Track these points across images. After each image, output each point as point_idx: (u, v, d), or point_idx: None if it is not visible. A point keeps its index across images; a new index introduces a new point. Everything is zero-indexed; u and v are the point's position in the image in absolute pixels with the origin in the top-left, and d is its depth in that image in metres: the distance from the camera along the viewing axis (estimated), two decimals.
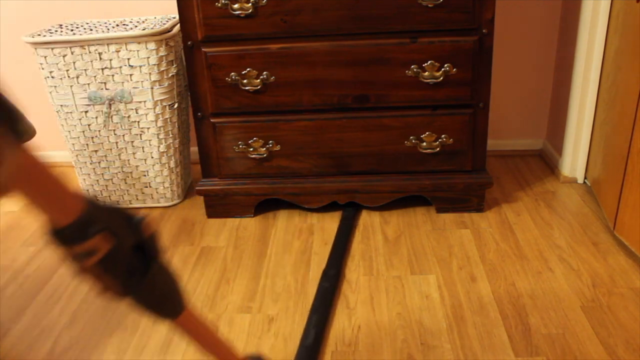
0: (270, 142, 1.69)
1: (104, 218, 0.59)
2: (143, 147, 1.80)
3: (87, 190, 1.90)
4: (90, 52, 1.68)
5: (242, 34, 1.57)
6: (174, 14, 1.98)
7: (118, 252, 0.61)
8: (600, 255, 1.52)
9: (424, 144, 1.68)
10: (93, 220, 0.58)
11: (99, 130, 1.79)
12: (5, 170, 0.48)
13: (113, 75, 1.70)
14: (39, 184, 0.54)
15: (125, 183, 1.87)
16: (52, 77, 1.72)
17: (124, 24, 1.92)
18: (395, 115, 1.65)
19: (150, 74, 1.70)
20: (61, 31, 1.82)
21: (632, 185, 1.45)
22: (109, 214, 0.61)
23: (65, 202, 0.56)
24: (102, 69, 1.70)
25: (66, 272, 1.60)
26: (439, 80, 1.59)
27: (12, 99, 0.47)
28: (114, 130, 1.78)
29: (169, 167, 1.85)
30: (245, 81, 1.62)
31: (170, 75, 1.74)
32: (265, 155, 1.71)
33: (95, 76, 1.71)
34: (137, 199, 1.90)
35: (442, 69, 1.58)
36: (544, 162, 2.08)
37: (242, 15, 1.54)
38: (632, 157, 1.45)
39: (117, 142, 1.80)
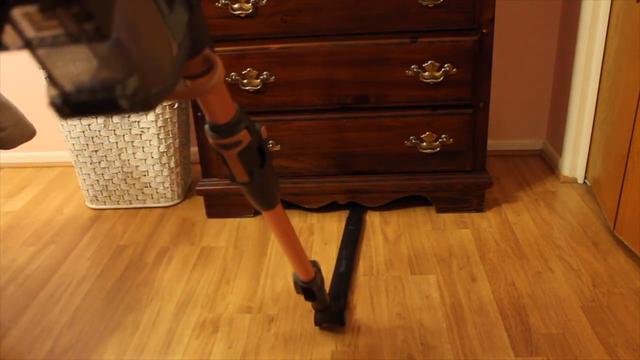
0: (270, 142, 1.69)
1: (246, 119, 0.80)
2: (143, 147, 1.80)
3: (87, 190, 1.90)
4: None
5: (242, 34, 1.57)
6: None
7: (252, 146, 0.81)
8: (600, 255, 1.52)
9: (424, 144, 1.68)
10: (241, 120, 0.78)
11: (99, 130, 1.79)
12: (217, 77, 0.67)
13: None
14: (220, 92, 0.73)
15: (125, 183, 1.87)
16: None
17: None
18: (395, 115, 1.65)
19: None
20: None
21: (632, 185, 1.45)
22: (247, 117, 0.81)
23: (228, 106, 0.75)
24: None
25: (66, 272, 1.60)
26: (439, 80, 1.59)
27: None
28: (114, 130, 1.78)
29: (169, 167, 1.85)
30: (245, 81, 1.62)
31: None
32: None
33: None
34: (137, 199, 1.90)
35: (442, 69, 1.58)
36: (544, 162, 2.08)
37: (242, 15, 1.54)
38: (632, 157, 1.45)
39: (117, 142, 1.80)
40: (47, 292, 1.52)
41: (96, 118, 1.76)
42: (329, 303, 1.26)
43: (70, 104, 0.45)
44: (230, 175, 0.86)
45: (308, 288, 1.14)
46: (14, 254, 1.70)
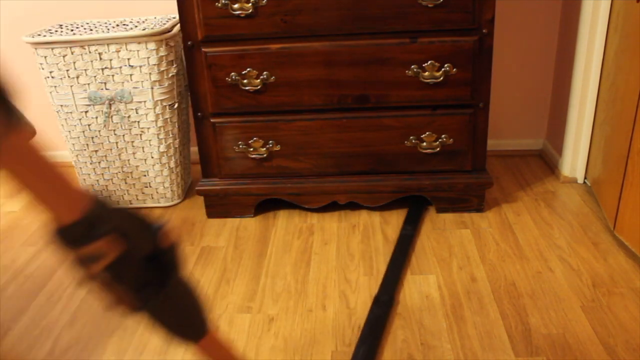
0: (271, 142, 1.69)
1: (114, 219, 0.53)
2: (143, 147, 1.80)
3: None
4: (90, 52, 1.68)
5: (242, 34, 1.57)
6: (174, 14, 1.98)
7: (129, 259, 0.53)
8: (600, 255, 1.52)
9: (424, 144, 1.68)
10: (100, 220, 0.51)
11: (99, 130, 1.79)
12: None
13: (113, 75, 1.70)
14: (39, 175, 0.50)
15: (126, 183, 1.87)
16: (52, 77, 1.72)
17: (124, 24, 1.92)
18: (395, 115, 1.65)
19: (150, 74, 1.70)
20: (61, 31, 1.82)
21: (632, 185, 1.45)
22: (121, 216, 0.54)
23: (69, 198, 0.50)
24: (102, 69, 1.70)
25: (66, 272, 1.59)
26: (439, 80, 1.59)
27: (12, 89, 0.45)
28: (114, 130, 1.78)
29: (169, 167, 1.85)
30: (245, 81, 1.62)
31: (170, 75, 1.74)
32: (265, 155, 1.71)
33: (95, 76, 1.71)
34: (137, 199, 1.90)
35: (442, 69, 1.58)
36: (544, 162, 2.08)
37: (242, 15, 1.54)
38: (632, 157, 1.45)
39: (117, 142, 1.80)
40: (47, 292, 1.52)
41: (96, 118, 1.76)
42: None
43: None
44: (109, 298, 0.57)
45: None
46: (14, 254, 1.70)
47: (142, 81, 1.70)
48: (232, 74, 1.61)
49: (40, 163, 0.50)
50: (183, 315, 0.63)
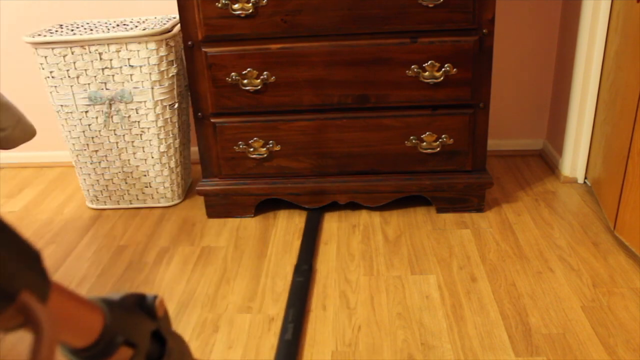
0: (271, 142, 1.70)
1: (123, 326, 0.54)
2: (143, 147, 1.80)
3: (88, 190, 1.90)
4: (90, 52, 1.68)
5: (243, 34, 1.57)
6: (174, 14, 1.98)
7: (139, 355, 0.57)
8: (600, 255, 1.52)
9: (424, 144, 1.68)
10: (114, 333, 0.53)
11: (100, 130, 1.79)
12: (47, 337, 0.42)
13: (113, 75, 1.70)
14: (63, 317, 0.48)
15: (126, 183, 1.87)
16: (53, 77, 1.72)
17: (124, 24, 1.92)
18: (395, 115, 1.65)
19: (150, 74, 1.70)
20: (61, 31, 1.82)
21: (633, 185, 1.45)
22: (127, 317, 0.55)
23: (85, 323, 0.50)
24: (103, 69, 1.70)
25: (66, 272, 1.60)
26: (439, 80, 1.59)
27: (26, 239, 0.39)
28: (114, 130, 1.78)
29: (169, 167, 1.85)
30: (245, 81, 1.62)
31: (170, 75, 1.74)
32: (265, 155, 1.71)
33: (95, 76, 1.71)
34: (138, 199, 1.90)
35: (443, 69, 1.58)
36: (544, 162, 2.08)
37: (242, 15, 1.55)
38: (633, 157, 1.45)
39: (117, 142, 1.80)
40: None
41: (96, 118, 1.76)
42: None
43: None
44: None
45: None
46: None
47: (142, 81, 1.71)
48: (233, 74, 1.61)
49: (62, 307, 0.48)
50: None
